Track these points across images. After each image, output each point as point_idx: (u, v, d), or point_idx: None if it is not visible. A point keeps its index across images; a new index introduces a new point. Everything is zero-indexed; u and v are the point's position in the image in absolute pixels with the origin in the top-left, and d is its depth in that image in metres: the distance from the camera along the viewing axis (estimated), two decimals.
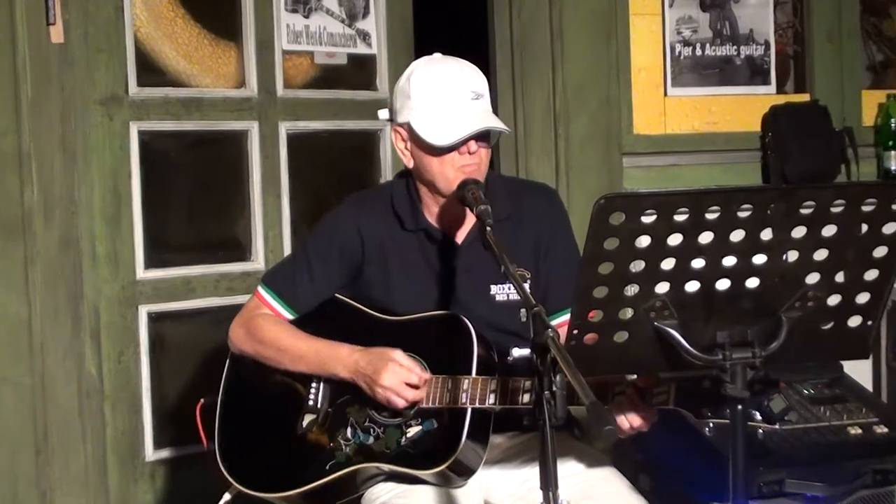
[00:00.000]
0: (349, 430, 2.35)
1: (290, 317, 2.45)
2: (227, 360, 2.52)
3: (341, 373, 2.34)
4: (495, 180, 2.46)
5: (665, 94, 3.85)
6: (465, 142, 2.27)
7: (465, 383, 2.23)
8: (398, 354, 2.28)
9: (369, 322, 2.41)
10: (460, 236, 2.41)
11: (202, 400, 2.52)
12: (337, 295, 2.46)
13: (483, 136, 2.30)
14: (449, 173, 2.30)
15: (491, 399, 2.22)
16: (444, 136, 2.28)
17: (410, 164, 2.37)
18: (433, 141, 2.28)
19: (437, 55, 2.40)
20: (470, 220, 2.36)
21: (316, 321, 2.44)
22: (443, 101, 2.29)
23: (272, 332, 2.42)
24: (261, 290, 2.47)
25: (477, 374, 2.24)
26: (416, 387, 2.26)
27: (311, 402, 2.39)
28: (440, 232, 2.40)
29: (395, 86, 2.40)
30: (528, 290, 1.94)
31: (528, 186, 2.58)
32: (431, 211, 2.40)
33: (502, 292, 2.38)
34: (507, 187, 2.46)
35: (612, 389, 2.14)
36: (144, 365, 3.32)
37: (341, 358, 2.33)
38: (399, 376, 2.25)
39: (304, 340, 2.40)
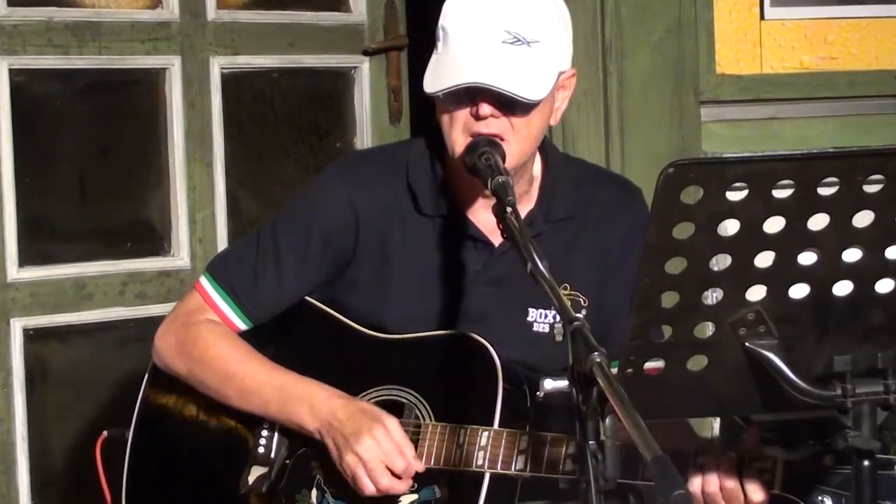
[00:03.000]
0: (315, 493, 2.36)
1: (243, 327, 2.46)
2: (144, 383, 2.52)
3: (307, 422, 2.34)
4: (558, 164, 2.47)
5: (762, 16, 3.85)
6: (460, 96, 2.26)
7: (484, 438, 2.24)
8: (392, 423, 2.28)
9: (350, 340, 2.42)
10: (498, 234, 2.40)
11: (105, 432, 2.54)
12: (306, 298, 2.47)
13: (508, 102, 2.26)
14: (457, 136, 2.30)
15: (519, 463, 2.22)
16: (434, 80, 2.29)
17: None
18: (425, 84, 2.30)
19: None
20: None
21: (273, 335, 2.45)
22: (462, 37, 2.29)
23: (218, 348, 2.42)
24: (206, 283, 2.47)
25: (501, 424, 2.24)
26: (398, 476, 2.26)
27: (261, 450, 2.41)
28: (471, 223, 2.41)
29: None
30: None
31: (604, 179, 2.58)
32: (462, 192, 2.40)
33: (543, 320, 2.40)
34: (573, 176, 2.47)
35: (693, 457, 2.14)
36: (19, 402, 3.32)
37: (313, 400, 2.33)
38: (384, 452, 2.26)
39: (264, 368, 2.40)
